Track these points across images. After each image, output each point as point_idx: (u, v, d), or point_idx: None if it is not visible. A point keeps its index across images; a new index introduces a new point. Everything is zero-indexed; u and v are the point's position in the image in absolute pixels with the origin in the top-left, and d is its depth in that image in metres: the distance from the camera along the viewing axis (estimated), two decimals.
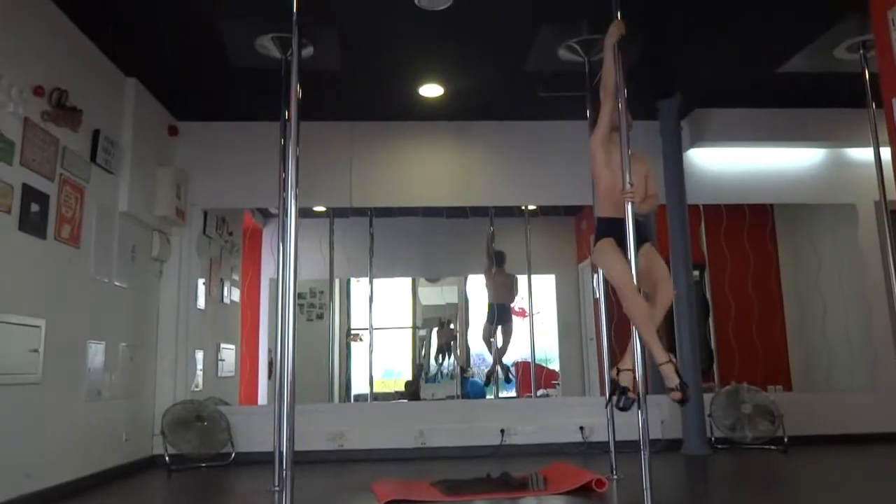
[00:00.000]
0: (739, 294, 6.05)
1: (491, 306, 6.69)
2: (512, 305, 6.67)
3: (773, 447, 4.85)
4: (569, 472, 3.78)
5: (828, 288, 5.99)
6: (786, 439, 4.82)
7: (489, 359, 6.72)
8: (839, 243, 5.87)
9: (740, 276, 6.09)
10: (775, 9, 3.95)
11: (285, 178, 3.04)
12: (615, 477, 3.78)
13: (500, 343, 6.57)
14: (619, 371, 3.13)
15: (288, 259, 2.90)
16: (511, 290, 6.67)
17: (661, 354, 2.98)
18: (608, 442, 4.02)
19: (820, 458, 4.56)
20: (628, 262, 3.01)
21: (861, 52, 4.36)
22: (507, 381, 6.59)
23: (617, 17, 3.24)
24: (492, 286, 6.70)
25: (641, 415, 2.90)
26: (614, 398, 3.07)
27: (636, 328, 2.97)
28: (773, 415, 4.88)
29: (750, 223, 6.14)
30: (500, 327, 6.61)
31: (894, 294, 4.25)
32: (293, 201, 2.94)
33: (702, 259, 5.95)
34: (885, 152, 3.34)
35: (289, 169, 2.98)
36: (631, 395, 3.02)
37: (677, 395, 2.96)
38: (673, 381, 2.96)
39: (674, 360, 3.00)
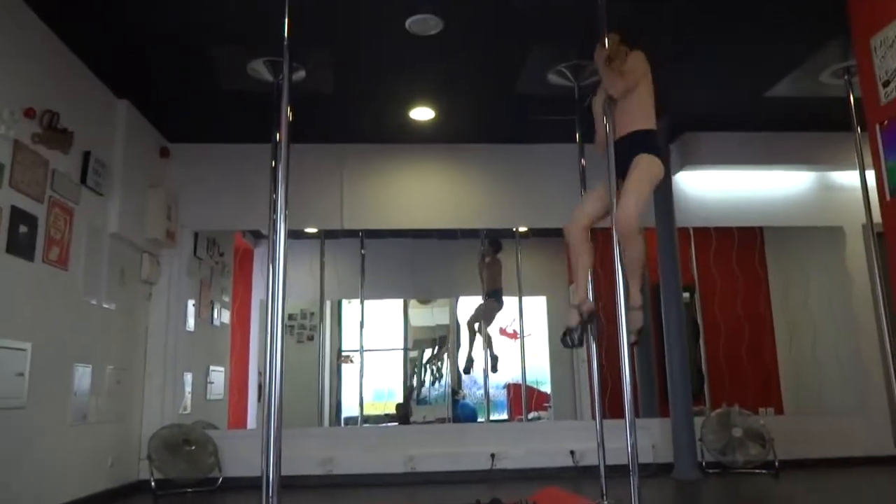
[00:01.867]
0: (729, 316, 6.06)
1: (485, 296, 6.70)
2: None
3: (764, 471, 4.83)
4: (559, 497, 3.75)
5: (817, 310, 6.01)
6: (776, 463, 4.80)
7: (480, 382, 6.70)
8: (828, 266, 5.90)
9: (730, 299, 6.11)
10: (762, 34, 4.02)
11: (275, 200, 3.04)
12: (606, 502, 3.75)
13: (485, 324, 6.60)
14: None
15: (277, 281, 2.89)
16: (501, 275, 6.69)
17: (638, 298, 3.12)
18: (599, 466, 3.99)
19: (811, 482, 4.55)
20: None
21: (846, 77, 4.43)
22: (494, 370, 6.54)
23: (603, 41, 3.30)
24: (487, 274, 6.68)
25: (630, 439, 2.89)
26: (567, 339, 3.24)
27: (634, 267, 3.08)
28: (764, 438, 4.87)
29: (739, 246, 6.17)
30: (488, 313, 6.60)
31: (882, 316, 4.28)
32: (283, 223, 2.94)
33: (692, 281, 5.97)
34: (871, 176, 3.38)
35: (279, 191, 2.99)
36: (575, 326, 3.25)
37: (635, 338, 3.08)
38: (639, 324, 3.09)
39: None
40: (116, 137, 4.49)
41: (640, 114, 3.26)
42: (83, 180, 4.05)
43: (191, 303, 5.39)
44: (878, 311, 4.52)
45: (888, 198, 3.19)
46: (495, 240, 6.59)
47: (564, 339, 3.37)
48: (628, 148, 3.18)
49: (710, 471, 4.91)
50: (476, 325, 6.65)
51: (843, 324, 5.72)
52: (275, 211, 3.11)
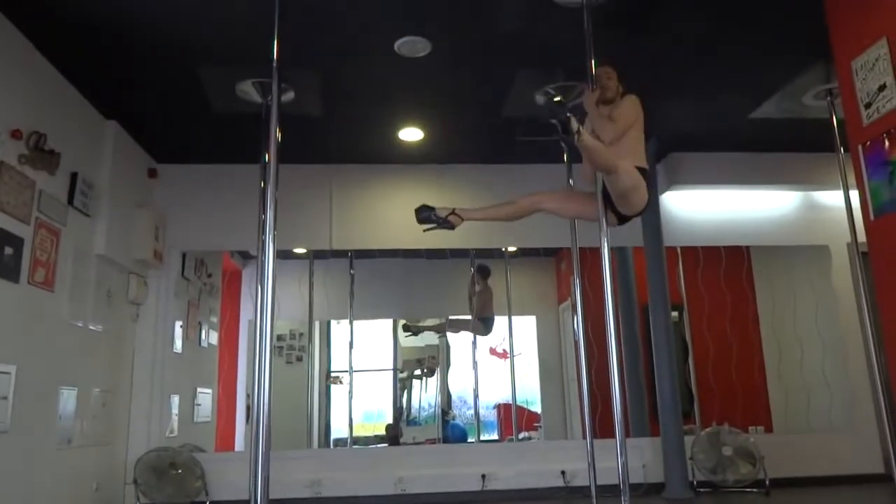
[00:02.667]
0: (718, 335, 6.09)
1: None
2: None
3: (755, 490, 4.83)
4: None
5: (804, 328, 6.05)
6: (767, 482, 4.80)
7: (470, 402, 6.67)
8: (814, 284, 5.95)
9: (719, 318, 6.14)
10: (746, 57, 4.09)
11: (264, 221, 3.04)
12: None
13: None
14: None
15: (265, 301, 2.87)
16: (491, 303, 6.68)
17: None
18: (590, 486, 3.97)
19: (801, 500, 4.55)
20: None
21: (828, 98, 4.50)
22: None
23: (589, 88, 3.37)
24: (477, 302, 6.66)
25: (621, 458, 2.89)
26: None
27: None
28: (754, 457, 4.87)
29: (727, 265, 6.21)
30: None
31: (869, 334, 4.31)
32: (271, 244, 2.93)
33: (680, 301, 5.99)
34: (855, 195, 3.42)
35: (268, 212, 2.98)
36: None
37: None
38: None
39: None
40: (104, 158, 4.48)
41: (627, 155, 3.28)
42: (70, 201, 4.03)
43: (178, 324, 5.34)
44: (864, 329, 4.54)
45: (872, 218, 3.23)
46: (484, 266, 6.59)
47: (421, 211, 3.67)
48: None
49: (701, 490, 4.89)
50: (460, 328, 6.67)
51: (829, 342, 5.76)
52: (263, 232, 3.10)
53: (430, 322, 6.93)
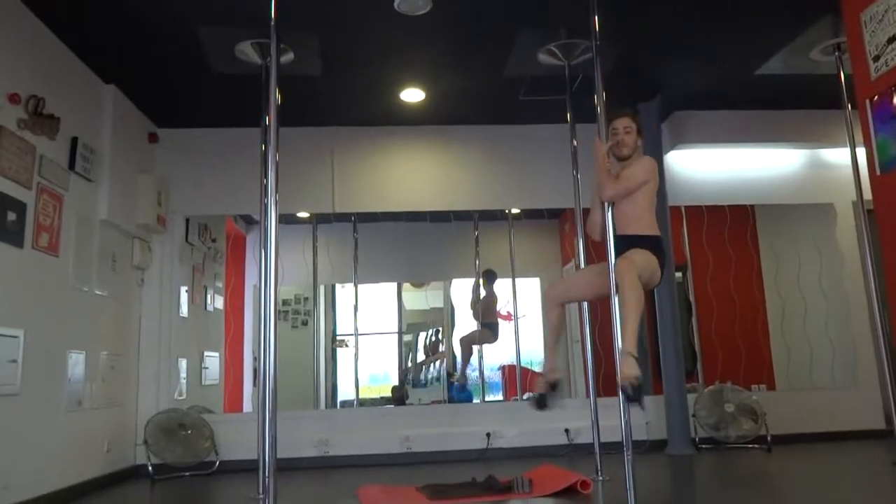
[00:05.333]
0: (722, 294, 6.10)
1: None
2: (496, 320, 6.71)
3: (756, 446, 4.89)
4: (554, 474, 3.78)
5: (808, 286, 6.05)
6: (769, 438, 4.86)
7: (475, 363, 6.73)
8: (818, 243, 5.94)
9: (722, 277, 6.14)
10: (752, 12, 4.00)
11: (266, 184, 3.02)
12: (600, 478, 3.79)
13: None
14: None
15: (269, 265, 2.88)
16: (496, 308, 6.68)
17: (631, 344, 2.96)
18: (593, 444, 4.03)
19: (803, 457, 4.60)
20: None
21: (836, 53, 4.42)
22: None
23: (597, 137, 3.19)
24: (482, 307, 6.67)
25: (624, 416, 2.92)
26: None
27: (627, 312, 2.91)
28: (757, 414, 4.92)
29: (731, 224, 6.19)
30: (483, 339, 6.59)
31: (872, 291, 4.31)
32: (273, 207, 2.93)
33: (684, 260, 5.99)
34: (861, 153, 3.38)
35: (269, 175, 2.97)
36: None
37: (630, 390, 2.85)
38: (633, 373, 2.87)
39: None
40: (104, 123, 4.45)
41: (634, 221, 3.11)
42: (71, 166, 4.02)
43: (183, 289, 5.37)
44: (868, 287, 4.54)
45: (878, 173, 3.20)
46: (491, 272, 6.58)
47: (533, 403, 3.41)
48: (624, 246, 3.04)
49: (703, 446, 4.96)
50: (471, 345, 6.66)
51: (833, 300, 5.77)
52: (265, 195, 3.10)
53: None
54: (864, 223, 4.36)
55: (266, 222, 2.99)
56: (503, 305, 6.71)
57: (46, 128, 3.73)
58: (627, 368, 2.80)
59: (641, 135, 3.33)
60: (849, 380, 5.53)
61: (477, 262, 6.53)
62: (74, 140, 4.04)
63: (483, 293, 6.61)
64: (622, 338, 2.87)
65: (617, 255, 2.99)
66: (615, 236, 3.02)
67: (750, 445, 4.91)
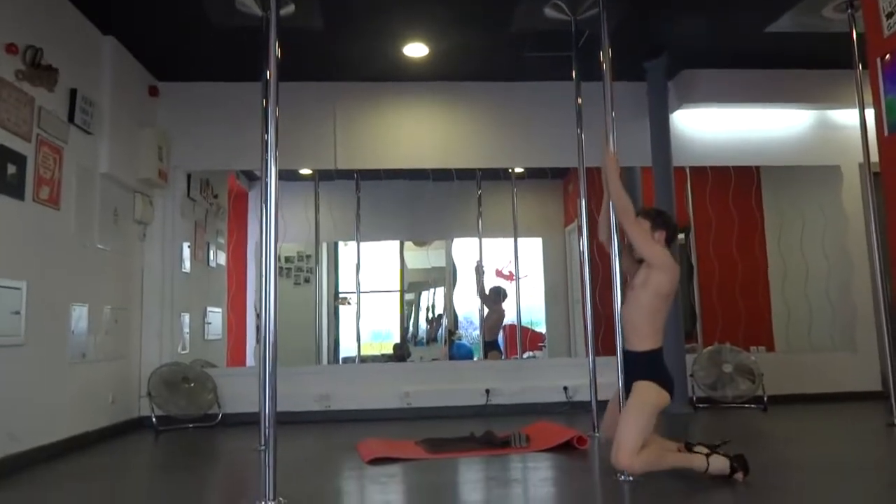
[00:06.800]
0: (724, 256, 6.09)
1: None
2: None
3: (752, 406, 4.94)
4: (551, 430, 3.83)
5: (811, 250, 6.04)
6: (765, 398, 4.90)
7: (476, 322, 6.78)
8: (823, 205, 5.90)
9: (725, 239, 6.13)
10: None
11: (266, 140, 3.00)
12: (596, 435, 3.84)
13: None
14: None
15: (269, 220, 2.87)
16: (501, 324, 6.68)
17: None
18: (590, 401, 4.07)
19: (798, 417, 4.65)
20: None
21: (849, 11, 4.32)
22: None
23: (610, 148, 3.12)
24: (488, 324, 6.65)
25: (622, 375, 2.94)
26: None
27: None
28: (754, 374, 4.95)
29: (735, 186, 6.15)
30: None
31: (875, 256, 4.29)
32: (273, 163, 2.90)
33: (687, 221, 5.97)
34: (870, 114, 3.33)
35: (269, 129, 2.94)
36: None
37: (739, 475, 2.73)
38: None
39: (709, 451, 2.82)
40: (103, 75, 4.40)
41: (641, 329, 2.92)
42: (71, 119, 3.99)
43: (186, 244, 5.38)
44: (871, 250, 4.53)
45: (886, 133, 3.15)
46: (501, 289, 6.54)
47: None
48: (630, 367, 2.95)
49: (700, 405, 5.01)
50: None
51: (836, 263, 5.75)
52: (266, 151, 3.07)
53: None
54: (870, 186, 4.32)
55: (266, 178, 2.97)
56: (505, 265, 6.73)
57: (45, 79, 3.69)
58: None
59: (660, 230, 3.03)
60: (847, 343, 5.55)
61: (479, 221, 6.52)
62: (73, 92, 4.00)
63: (491, 309, 6.61)
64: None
65: (628, 371, 2.93)
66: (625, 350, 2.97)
67: (746, 405, 4.96)
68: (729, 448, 2.83)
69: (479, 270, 6.52)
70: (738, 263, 6.11)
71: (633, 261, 3.06)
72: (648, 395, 2.79)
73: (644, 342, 2.90)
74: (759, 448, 3.63)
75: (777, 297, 6.18)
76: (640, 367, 2.89)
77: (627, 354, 2.97)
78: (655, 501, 2.50)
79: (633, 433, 2.64)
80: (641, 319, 2.91)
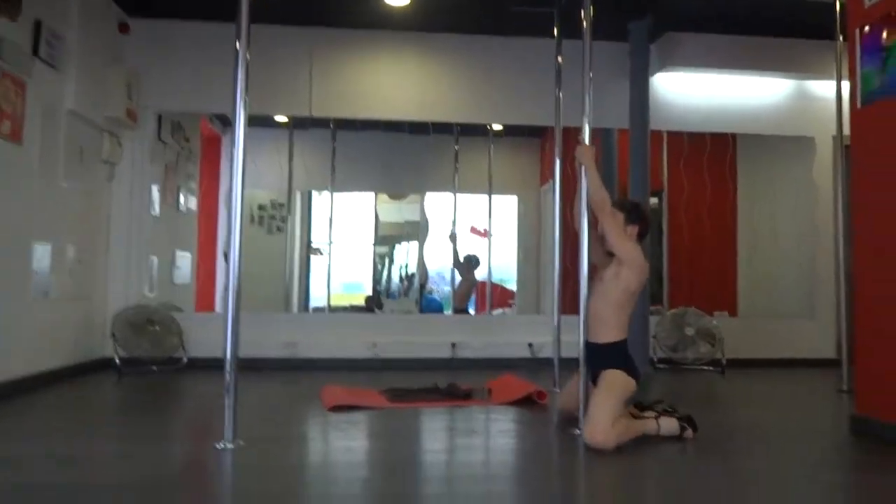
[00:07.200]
0: (695, 222, 6.16)
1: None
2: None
3: (711, 368, 5.07)
4: (513, 384, 3.90)
5: (780, 219, 6.13)
6: (724, 361, 5.03)
7: (448, 278, 6.81)
8: (795, 176, 5.96)
9: (697, 205, 6.18)
10: None
11: (235, 82, 2.92)
12: (557, 390, 3.92)
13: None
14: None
15: (237, 164, 2.82)
16: (473, 292, 6.71)
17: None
18: (554, 358, 4.14)
19: (753, 380, 4.79)
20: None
21: None
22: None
23: (586, 140, 3.03)
24: (460, 291, 6.67)
25: (583, 334, 2.98)
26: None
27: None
28: (715, 337, 5.07)
29: (711, 152, 6.18)
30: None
31: (840, 227, 4.37)
32: (242, 106, 2.84)
33: (661, 186, 6.00)
34: (848, 87, 3.33)
35: (238, 72, 2.86)
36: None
37: (689, 433, 2.83)
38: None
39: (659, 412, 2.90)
40: (70, 8, 4.22)
41: (608, 321, 2.93)
42: (35, 52, 3.85)
43: (155, 187, 5.29)
44: (836, 221, 4.61)
45: (859, 106, 3.17)
46: (473, 256, 6.50)
47: None
48: (596, 358, 2.94)
49: (660, 366, 5.13)
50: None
51: (803, 233, 5.85)
52: (236, 94, 3.00)
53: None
54: (841, 157, 4.37)
55: (236, 122, 2.91)
56: (479, 223, 6.73)
57: (6, 9, 3.54)
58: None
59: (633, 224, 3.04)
60: (807, 311, 5.69)
61: (456, 177, 6.48)
62: (38, 24, 3.85)
63: (464, 279, 6.62)
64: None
65: (592, 363, 2.92)
66: (588, 343, 2.95)
67: (705, 368, 5.09)
68: (677, 408, 2.92)
69: (453, 238, 6.51)
70: (708, 229, 6.19)
71: (604, 252, 3.06)
72: (618, 380, 2.83)
73: (610, 334, 2.93)
74: (712, 409, 3.75)
75: (743, 264, 6.28)
76: (607, 357, 2.92)
77: (592, 346, 2.97)
78: (605, 454, 2.57)
79: (607, 412, 2.68)
80: (609, 313, 2.94)
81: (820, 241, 5.63)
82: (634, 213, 3.05)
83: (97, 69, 4.54)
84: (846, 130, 4.25)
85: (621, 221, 2.99)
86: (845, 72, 3.44)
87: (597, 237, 3.07)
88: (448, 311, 6.68)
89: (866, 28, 3.13)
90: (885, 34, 3.02)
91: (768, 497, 2.17)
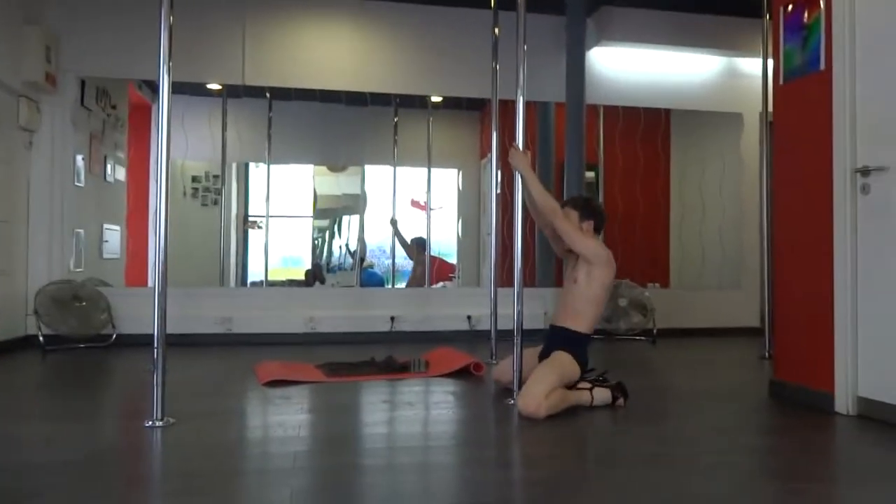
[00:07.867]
0: (629, 195, 6.29)
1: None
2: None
3: (643, 338, 5.23)
4: (450, 356, 3.93)
5: (709, 193, 6.32)
6: (655, 331, 5.19)
7: (388, 251, 6.78)
8: (724, 151, 6.16)
9: (631, 179, 6.31)
10: None
11: (159, 46, 2.80)
12: (493, 362, 3.97)
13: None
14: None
15: (161, 133, 2.72)
16: (425, 277, 6.67)
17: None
18: (490, 330, 4.19)
19: (682, 348, 4.97)
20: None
21: None
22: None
23: (516, 145, 3.02)
24: (416, 272, 6.63)
25: (518, 306, 3.02)
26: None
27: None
28: (647, 308, 5.22)
29: (645, 127, 6.30)
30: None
31: (764, 201, 4.54)
32: (165, 72, 2.72)
33: (596, 160, 6.09)
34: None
35: (161, 36, 2.74)
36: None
37: (621, 401, 2.94)
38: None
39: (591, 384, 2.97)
40: None
41: (584, 314, 3.00)
42: None
43: (79, 156, 5.06)
44: (761, 196, 4.78)
45: (782, 82, 3.28)
46: (421, 239, 6.44)
47: None
48: (555, 338, 3.03)
49: (595, 336, 5.23)
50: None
51: (730, 208, 6.06)
52: (160, 59, 2.87)
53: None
54: (766, 134, 4.52)
55: (160, 88, 2.79)
56: (420, 196, 6.70)
57: None
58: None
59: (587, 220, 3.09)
60: (734, 282, 5.93)
61: (395, 149, 6.42)
62: None
63: (416, 261, 6.57)
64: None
65: (547, 346, 3.01)
66: (552, 325, 3.07)
67: (637, 337, 5.25)
68: (609, 378, 3.00)
69: (394, 224, 6.47)
70: (642, 204, 6.33)
71: (564, 249, 3.12)
72: (565, 361, 2.90)
73: (578, 324, 3.00)
74: (643, 376, 3.87)
75: (675, 237, 6.48)
76: (566, 341, 2.98)
77: (556, 328, 3.04)
78: (540, 422, 2.63)
79: (543, 386, 2.73)
80: (587, 309, 3.00)
81: (746, 215, 5.85)
82: (587, 210, 3.11)
83: (12, 29, 4.29)
84: (771, 107, 4.45)
85: (575, 220, 3.04)
86: (772, 49, 3.54)
87: (553, 236, 3.11)
88: (389, 286, 6.66)
89: (789, 7, 3.23)
90: (806, 13, 3.12)
91: (689, 457, 2.26)
